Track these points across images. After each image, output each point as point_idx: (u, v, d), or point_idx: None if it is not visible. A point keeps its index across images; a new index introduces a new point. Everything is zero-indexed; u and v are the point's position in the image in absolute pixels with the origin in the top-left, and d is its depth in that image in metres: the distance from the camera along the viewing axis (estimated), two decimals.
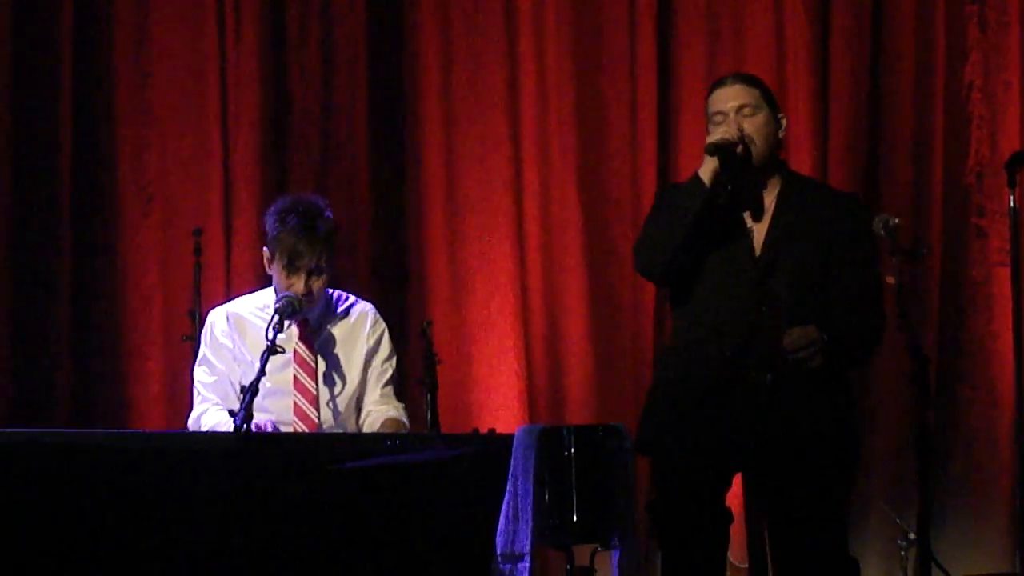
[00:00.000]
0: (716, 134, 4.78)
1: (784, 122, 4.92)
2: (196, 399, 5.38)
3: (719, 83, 4.94)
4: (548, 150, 7.11)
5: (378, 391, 5.40)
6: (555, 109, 7.11)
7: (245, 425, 4.68)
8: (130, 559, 4.51)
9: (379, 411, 5.38)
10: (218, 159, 7.01)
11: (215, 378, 5.35)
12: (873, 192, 7.04)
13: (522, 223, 7.09)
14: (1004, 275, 6.81)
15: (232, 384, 5.30)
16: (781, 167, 4.94)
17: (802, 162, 6.91)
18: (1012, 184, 6.24)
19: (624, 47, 7.14)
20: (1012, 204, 6.27)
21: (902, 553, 6.46)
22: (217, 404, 5.30)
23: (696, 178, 4.78)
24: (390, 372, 5.44)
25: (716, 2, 7.15)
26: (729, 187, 4.81)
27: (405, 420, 5.39)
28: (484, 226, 7.08)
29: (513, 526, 4.62)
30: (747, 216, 4.84)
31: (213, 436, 5.02)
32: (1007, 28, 7.09)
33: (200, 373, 5.39)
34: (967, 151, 7.08)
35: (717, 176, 4.76)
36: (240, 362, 5.31)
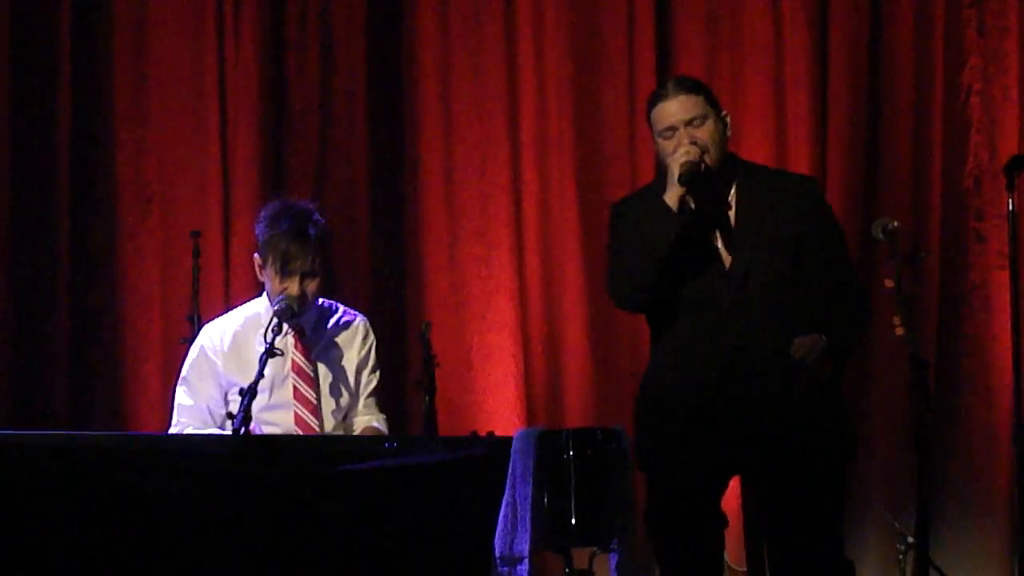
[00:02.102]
0: (679, 158, 4.67)
1: (728, 119, 4.83)
2: (173, 418, 5.37)
3: (661, 96, 4.79)
4: (547, 154, 7.11)
5: (361, 402, 5.42)
6: (554, 113, 7.11)
7: (244, 428, 4.68)
8: (128, 561, 4.51)
9: (361, 421, 5.38)
10: (217, 162, 7.01)
11: (193, 403, 5.33)
12: (872, 196, 7.04)
13: (521, 226, 7.09)
14: (1003, 279, 6.80)
15: (211, 411, 5.29)
16: (734, 164, 4.85)
17: (801, 166, 6.91)
18: (1011, 188, 6.24)
19: (623, 51, 7.14)
20: (1011, 208, 6.26)
21: (900, 557, 6.45)
22: (193, 427, 5.29)
23: (664, 206, 4.70)
24: (374, 384, 5.44)
25: (715, 7, 7.14)
26: (693, 207, 4.75)
27: (384, 430, 5.38)
28: (483, 229, 7.08)
29: (512, 529, 4.63)
30: (711, 231, 4.79)
31: (212, 439, 5.02)
32: (1006, 33, 7.09)
33: (180, 395, 5.37)
34: (966, 155, 7.07)
35: (683, 204, 4.71)
36: (240, 378, 5.24)
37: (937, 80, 7.08)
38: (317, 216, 5.33)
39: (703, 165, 4.67)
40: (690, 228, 4.73)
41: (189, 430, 5.29)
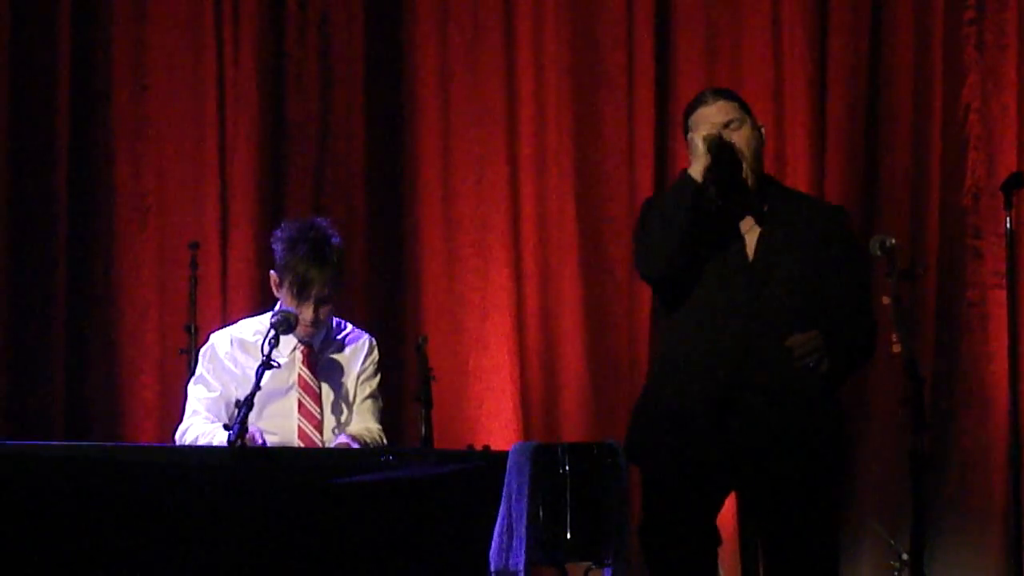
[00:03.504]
0: (703, 132, 4.77)
1: (763, 131, 4.91)
2: (187, 411, 5.37)
3: (700, 101, 4.91)
4: (545, 167, 7.12)
5: (355, 408, 5.39)
6: (553, 126, 7.12)
7: (239, 440, 4.68)
8: (123, 573, 4.51)
9: (351, 427, 5.37)
10: (215, 173, 7.02)
11: (215, 394, 5.32)
12: (870, 212, 7.05)
13: (519, 239, 7.09)
14: (1000, 297, 6.81)
15: (229, 403, 5.29)
16: (769, 180, 4.93)
17: (799, 181, 6.92)
18: (1008, 206, 6.25)
19: (622, 64, 7.15)
20: (1008, 226, 6.27)
21: (895, 574, 6.45)
22: (207, 417, 5.29)
23: (685, 174, 4.75)
24: (368, 390, 5.42)
25: (714, 20, 7.16)
26: (718, 199, 4.77)
27: (365, 439, 5.34)
28: (480, 242, 7.08)
29: (507, 543, 4.62)
30: (740, 224, 4.82)
31: (208, 450, 5.02)
32: (1005, 50, 7.10)
33: (198, 390, 5.36)
34: (964, 173, 7.09)
35: (707, 174, 4.74)
36: (246, 383, 5.27)
37: (936, 97, 7.09)
38: (336, 239, 5.33)
39: (734, 147, 4.72)
40: (715, 214, 4.75)
41: (201, 420, 5.26)
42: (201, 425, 5.27)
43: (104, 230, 7.00)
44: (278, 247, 5.32)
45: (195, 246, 6.54)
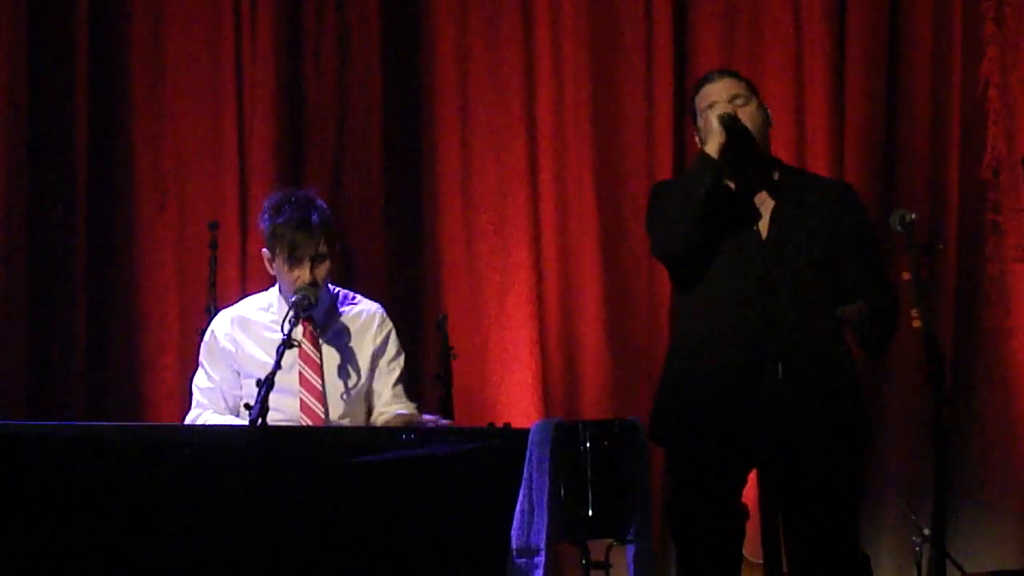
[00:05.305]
0: (717, 111, 4.79)
1: (770, 112, 4.93)
2: (193, 401, 5.39)
3: (706, 79, 4.97)
4: (564, 144, 7.12)
5: (389, 392, 5.37)
6: (571, 103, 7.11)
7: (261, 419, 4.68)
8: (146, 552, 4.52)
9: (390, 411, 5.36)
10: (234, 153, 7.02)
11: (211, 385, 5.35)
12: (890, 188, 7.03)
13: (538, 217, 7.09)
14: (1020, 271, 6.80)
15: (224, 393, 5.31)
16: (775, 160, 4.96)
17: (818, 158, 6.91)
18: None
19: (641, 40, 7.14)
20: None
21: (917, 549, 6.44)
22: (212, 409, 5.31)
23: (703, 153, 4.79)
24: (398, 371, 5.40)
25: None
26: (735, 176, 4.80)
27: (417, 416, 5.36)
28: (500, 220, 7.08)
29: (528, 520, 4.63)
30: (751, 200, 4.84)
31: (229, 430, 5.03)
32: None
33: (198, 378, 5.39)
34: (983, 147, 7.06)
35: (723, 152, 4.76)
36: (247, 362, 5.28)
37: (955, 72, 7.07)
38: (319, 202, 5.31)
39: (740, 123, 4.75)
40: (728, 192, 4.77)
41: (207, 413, 5.30)
42: (211, 418, 5.28)
43: (123, 211, 7.01)
44: (263, 221, 5.30)
45: (215, 226, 6.54)
